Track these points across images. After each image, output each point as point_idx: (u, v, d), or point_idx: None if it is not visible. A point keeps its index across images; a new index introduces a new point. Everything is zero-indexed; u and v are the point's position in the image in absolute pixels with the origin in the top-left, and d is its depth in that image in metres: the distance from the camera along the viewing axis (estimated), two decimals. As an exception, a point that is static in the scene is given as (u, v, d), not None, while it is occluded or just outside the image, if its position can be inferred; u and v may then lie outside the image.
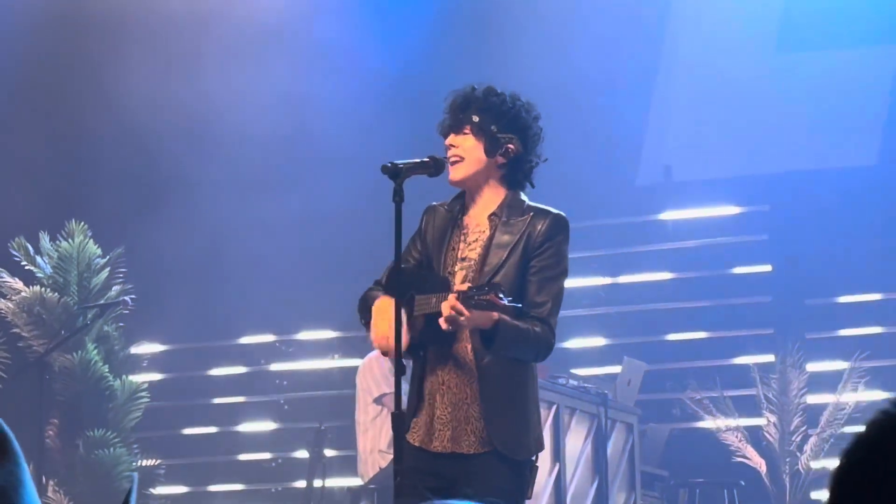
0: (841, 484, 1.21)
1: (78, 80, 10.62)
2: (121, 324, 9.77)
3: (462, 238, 4.57)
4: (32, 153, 10.61)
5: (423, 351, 4.51)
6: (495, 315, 4.20)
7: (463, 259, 4.54)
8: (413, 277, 4.50)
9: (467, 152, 4.50)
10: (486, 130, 4.47)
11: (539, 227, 4.47)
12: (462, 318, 4.18)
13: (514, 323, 4.27)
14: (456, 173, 4.52)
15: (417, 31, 10.38)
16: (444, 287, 4.43)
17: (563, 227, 4.52)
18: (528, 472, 4.45)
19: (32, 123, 10.56)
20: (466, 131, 4.50)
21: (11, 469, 1.65)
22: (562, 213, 4.57)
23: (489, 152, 4.48)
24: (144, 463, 9.69)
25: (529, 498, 4.47)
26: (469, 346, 4.44)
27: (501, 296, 4.09)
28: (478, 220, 4.57)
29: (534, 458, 4.47)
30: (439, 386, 4.48)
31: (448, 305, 4.19)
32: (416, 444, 4.48)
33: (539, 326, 4.37)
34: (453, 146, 4.52)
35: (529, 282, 4.43)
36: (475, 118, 4.48)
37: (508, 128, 4.49)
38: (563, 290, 4.50)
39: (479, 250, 4.52)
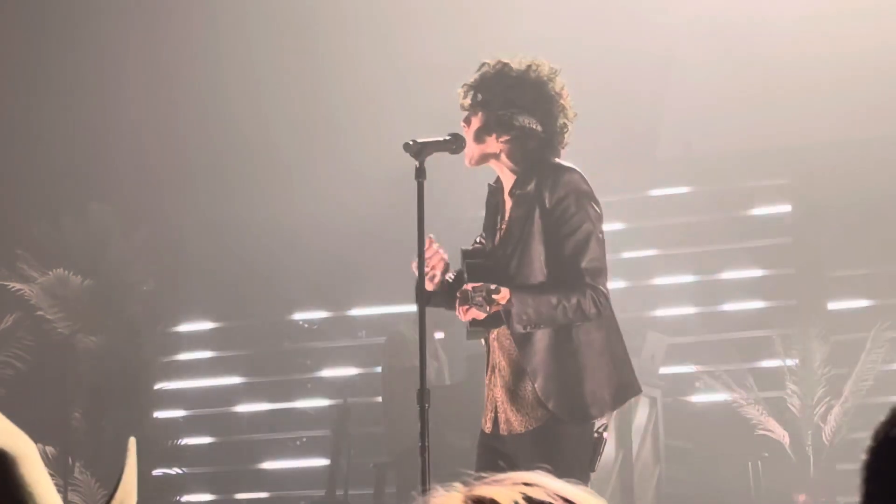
0: (877, 457, 1.21)
1: (101, 60, 10.62)
2: (145, 305, 9.81)
3: (501, 219, 4.59)
4: (55, 134, 10.62)
5: (482, 337, 4.55)
6: (503, 301, 4.23)
7: (498, 243, 4.57)
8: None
9: (471, 133, 4.51)
10: (486, 108, 4.49)
11: (545, 194, 4.42)
12: (464, 318, 4.30)
13: (529, 301, 4.29)
14: (465, 155, 4.53)
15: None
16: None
17: (567, 184, 4.42)
18: (588, 440, 4.37)
19: (55, 103, 10.57)
20: (476, 113, 4.51)
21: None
22: (566, 166, 4.48)
23: (489, 129, 4.48)
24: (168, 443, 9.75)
25: (594, 471, 4.38)
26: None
27: (481, 300, 4.16)
28: (506, 198, 4.58)
29: (595, 423, 4.38)
30: (495, 368, 4.51)
31: (458, 308, 4.31)
32: (487, 431, 4.50)
33: (573, 292, 4.32)
34: (467, 129, 4.54)
35: (559, 248, 4.39)
36: (479, 97, 4.51)
37: (511, 103, 4.47)
38: (593, 241, 4.40)
39: (504, 233, 4.54)
